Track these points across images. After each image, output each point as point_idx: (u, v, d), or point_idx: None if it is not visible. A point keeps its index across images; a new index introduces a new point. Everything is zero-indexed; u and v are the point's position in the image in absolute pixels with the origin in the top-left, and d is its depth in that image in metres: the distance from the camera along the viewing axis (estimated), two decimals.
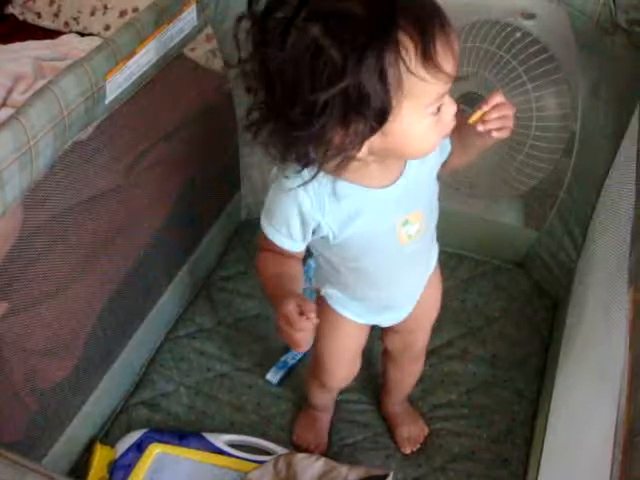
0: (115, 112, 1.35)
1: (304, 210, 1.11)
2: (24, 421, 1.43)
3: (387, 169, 1.12)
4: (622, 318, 1.21)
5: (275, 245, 1.17)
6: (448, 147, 1.24)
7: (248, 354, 1.86)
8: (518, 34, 1.86)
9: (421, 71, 0.93)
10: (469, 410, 1.75)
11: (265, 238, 1.18)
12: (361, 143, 0.98)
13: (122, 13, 2.36)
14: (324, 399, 1.66)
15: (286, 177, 1.08)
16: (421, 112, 0.99)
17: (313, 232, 1.16)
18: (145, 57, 1.37)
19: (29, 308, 1.42)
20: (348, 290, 1.32)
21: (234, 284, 2.02)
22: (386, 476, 1.51)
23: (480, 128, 1.12)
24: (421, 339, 1.56)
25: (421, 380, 1.72)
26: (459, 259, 2.07)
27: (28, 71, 1.93)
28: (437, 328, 1.75)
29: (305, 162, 1.01)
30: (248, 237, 2.15)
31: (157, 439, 1.64)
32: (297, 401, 1.74)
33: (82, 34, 2.31)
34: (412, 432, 1.69)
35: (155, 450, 1.62)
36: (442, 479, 1.63)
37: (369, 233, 1.17)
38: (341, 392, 1.75)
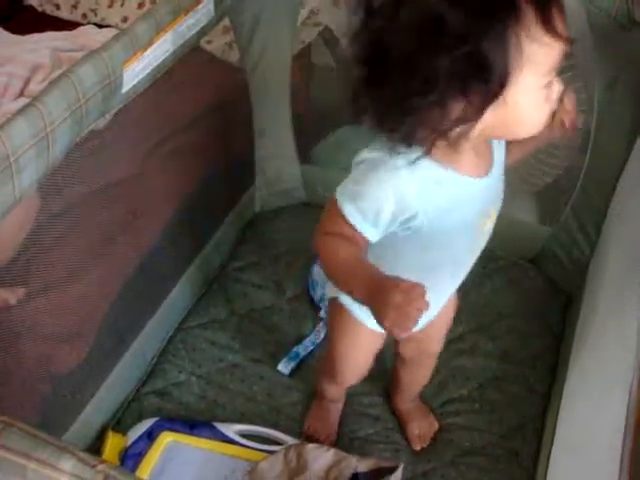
0: (132, 102, 1.36)
1: (405, 196, 1.01)
2: (37, 407, 1.45)
3: (482, 158, 1.09)
4: (634, 313, 1.21)
5: (350, 230, 1.04)
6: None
7: (260, 345, 1.86)
8: None
9: (541, 36, 0.91)
10: (480, 405, 1.75)
11: (336, 221, 1.04)
12: (480, 113, 0.93)
13: (140, 5, 2.36)
14: (335, 393, 1.66)
15: (391, 156, 1.00)
16: (538, 81, 0.95)
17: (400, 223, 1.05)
18: (162, 47, 1.38)
19: (44, 294, 1.43)
20: None
21: (247, 275, 2.03)
22: (396, 468, 1.51)
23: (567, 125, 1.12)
24: (436, 346, 1.56)
25: (432, 375, 1.70)
26: None
27: (46, 62, 1.95)
28: None
29: (411, 140, 0.96)
30: (262, 229, 2.16)
31: (168, 428, 1.65)
32: (308, 392, 1.75)
33: (100, 25, 2.32)
34: (422, 428, 1.70)
35: (166, 439, 1.63)
36: (453, 473, 1.63)
37: (460, 224, 1.10)
38: (352, 386, 1.75)
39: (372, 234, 1.04)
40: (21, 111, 1.07)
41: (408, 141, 0.96)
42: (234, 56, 2.10)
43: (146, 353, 1.80)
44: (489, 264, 2.05)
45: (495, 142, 1.13)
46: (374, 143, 1.03)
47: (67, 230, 1.47)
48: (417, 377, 1.65)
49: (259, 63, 1.91)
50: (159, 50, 1.37)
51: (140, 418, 1.69)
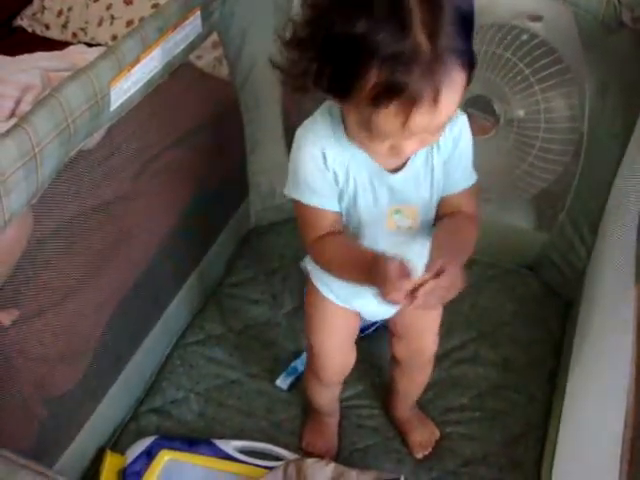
0: (122, 120, 1.35)
1: (326, 153, 1.15)
2: (33, 429, 1.43)
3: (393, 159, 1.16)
4: (631, 317, 1.20)
5: (314, 212, 1.19)
6: (453, 188, 1.25)
7: (257, 360, 1.85)
8: (525, 36, 1.86)
9: (362, 110, 1.01)
10: (481, 413, 1.74)
11: (303, 218, 1.22)
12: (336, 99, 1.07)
13: (129, 23, 2.37)
14: (325, 398, 1.64)
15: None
16: (360, 125, 1.05)
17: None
18: (150, 64, 1.37)
19: (38, 315, 1.42)
20: None
21: (243, 291, 2.02)
22: None
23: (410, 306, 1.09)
24: (429, 347, 1.54)
25: (432, 384, 1.71)
26: (469, 263, 2.02)
27: (36, 82, 1.94)
28: (448, 332, 1.75)
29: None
30: (257, 244, 2.15)
31: (167, 446, 1.63)
32: (307, 407, 1.73)
33: (90, 44, 2.32)
34: (423, 436, 1.68)
35: (165, 457, 1.62)
36: None
37: (362, 207, 1.21)
38: (351, 397, 1.75)
39: (327, 202, 1.19)
40: (8, 133, 1.06)
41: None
42: (224, 71, 2.10)
43: (144, 371, 1.79)
44: (486, 272, 2.05)
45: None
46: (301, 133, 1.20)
47: (61, 250, 1.46)
48: (412, 383, 1.63)
49: (249, 78, 1.91)
50: (147, 67, 1.37)
51: (138, 437, 1.67)
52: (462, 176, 1.26)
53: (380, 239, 1.24)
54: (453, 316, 1.85)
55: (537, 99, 1.89)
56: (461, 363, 1.81)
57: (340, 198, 1.21)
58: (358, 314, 1.45)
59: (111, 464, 1.60)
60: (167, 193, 1.75)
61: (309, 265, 1.39)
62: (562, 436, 1.53)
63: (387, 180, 1.19)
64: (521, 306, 1.97)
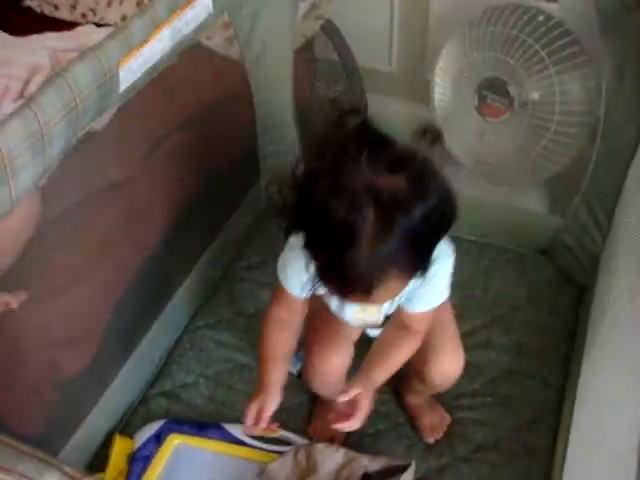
0: (131, 101, 1.34)
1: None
2: (42, 413, 1.43)
3: None
4: None
5: (284, 294, 1.41)
6: (408, 308, 1.37)
7: None
8: (541, 17, 1.83)
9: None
10: (493, 399, 1.73)
11: (278, 288, 1.43)
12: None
13: (138, 3, 2.33)
14: (326, 389, 1.62)
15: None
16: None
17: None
18: (159, 44, 1.35)
19: (46, 298, 1.41)
20: None
21: (254, 274, 2.01)
22: (407, 466, 1.49)
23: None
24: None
25: None
26: (482, 247, 2.04)
27: (45, 63, 1.92)
28: (460, 316, 1.72)
29: None
30: (268, 227, 2.13)
31: (176, 430, 1.63)
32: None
33: (99, 25, 2.30)
34: (434, 421, 1.67)
35: (174, 441, 1.61)
36: (466, 469, 1.61)
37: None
38: None
39: (297, 292, 1.40)
40: (15, 113, 1.05)
41: None
42: (235, 52, 2.07)
43: (153, 355, 1.78)
44: (499, 256, 2.03)
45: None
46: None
47: (69, 232, 1.46)
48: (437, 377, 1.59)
49: (260, 58, 1.89)
50: (156, 47, 1.35)
51: (148, 421, 1.67)
52: (422, 303, 1.35)
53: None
54: (465, 301, 1.84)
55: (553, 81, 1.87)
56: (473, 348, 1.79)
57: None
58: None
59: (120, 448, 1.59)
60: (177, 174, 1.74)
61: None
62: (576, 422, 1.51)
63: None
64: (534, 291, 1.95)
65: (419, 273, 1.14)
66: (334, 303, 1.45)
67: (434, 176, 1.11)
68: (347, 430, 1.35)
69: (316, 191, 1.09)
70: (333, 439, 1.63)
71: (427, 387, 1.60)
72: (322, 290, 1.31)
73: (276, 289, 1.44)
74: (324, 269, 1.13)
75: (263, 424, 1.39)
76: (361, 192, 1.04)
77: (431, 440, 1.66)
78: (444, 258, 1.27)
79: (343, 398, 1.33)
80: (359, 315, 1.45)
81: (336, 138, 1.12)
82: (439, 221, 1.11)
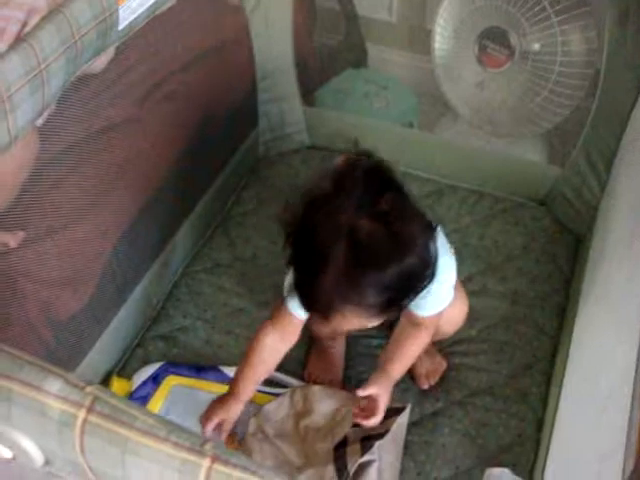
0: (129, 43, 1.33)
1: None
2: (39, 353, 1.43)
3: None
4: None
5: (285, 311, 1.40)
6: (419, 311, 1.38)
7: (265, 289, 1.84)
8: None
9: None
10: (488, 345, 1.74)
11: (279, 307, 1.42)
12: None
13: None
14: (326, 332, 1.64)
15: None
16: None
17: None
18: None
19: (44, 238, 1.41)
20: None
21: (251, 220, 2.01)
22: (403, 409, 1.50)
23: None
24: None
25: None
26: (479, 196, 2.04)
27: (42, 4, 1.90)
28: (457, 263, 1.73)
29: None
30: (265, 173, 2.13)
31: (174, 372, 1.64)
32: (313, 336, 1.73)
33: None
34: (429, 367, 1.67)
35: (172, 382, 1.62)
36: (460, 413, 1.62)
37: None
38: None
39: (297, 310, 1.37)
40: (14, 48, 1.04)
41: None
42: None
43: (151, 298, 1.79)
44: (497, 205, 2.03)
45: None
46: None
47: (67, 173, 1.45)
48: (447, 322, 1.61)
49: (260, 4, 1.87)
50: None
51: (145, 363, 1.68)
52: (429, 309, 1.37)
53: None
54: (461, 248, 1.84)
55: (554, 31, 1.86)
56: (469, 295, 1.78)
57: None
58: None
59: (117, 389, 1.60)
60: (174, 118, 1.73)
61: None
62: (569, 368, 1.52)
63: None
64: (531, 240, 1.95)
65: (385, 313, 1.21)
66: None
67: (424, 241, 1.16)
68: (369, 426, 1.39)
69: (310, 213, 1.15)
70: (330, 382, 1.64)
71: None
72: None
73: (276, 308, 1.45)
74: (296, 284, 1.20)
75: (224, 436, 1.44)
76: (343, 226, 1.10)
77: (425, 386, 1.67)
78: (447, 272, 1.32)
79: (362, 394, 1.37)
80: None
81: (345, 172, 1.17)
82: (410, 282, 1.16)
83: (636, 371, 1.03)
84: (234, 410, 1.44)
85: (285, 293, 1.36)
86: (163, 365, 1.65)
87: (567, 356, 1.56)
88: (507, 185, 2.03)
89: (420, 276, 1.17)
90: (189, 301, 1.82)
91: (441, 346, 1.72)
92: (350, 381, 1.68)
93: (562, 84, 1.90)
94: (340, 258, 1.10)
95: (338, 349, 1.70)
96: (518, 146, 2.10)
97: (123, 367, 1.70)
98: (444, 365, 1.69)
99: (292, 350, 1.70)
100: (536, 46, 1.91)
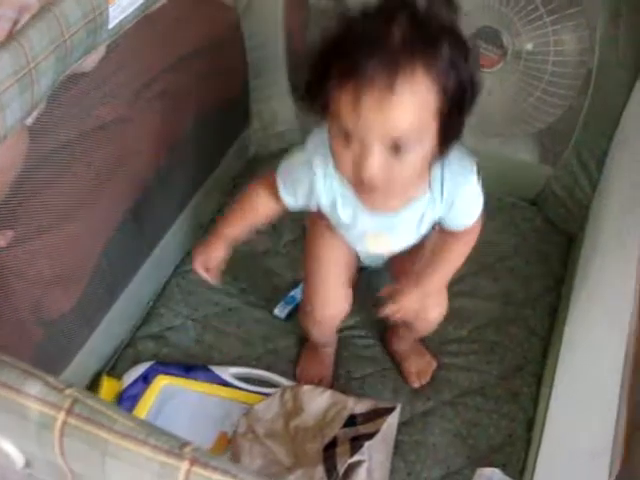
0: (120, 42, 1.33)
1: (315, 190, 1.28)
2: (29, 352, 1.43)
3: (378, 199, 1.21)
4: (634, 253, 1.19)
5: (276, 192, 1.35)
6: (452, 226, 1.33)
7: (256, 289, 1.85)
8: None
9: (335, 83, 1.04)
10: (479, 346, 1.74)
11: (273, 179, 1.35)
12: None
13: None
14: (322, 335, 1.65)
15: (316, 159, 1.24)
16: (331, 120, 1.09)
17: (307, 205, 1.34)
18: None
19: (34, 237, 1.40)
20: None
21: None
22: (393, 409, 1.50)
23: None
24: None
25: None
26: None
27: (33, 2, 1.90)
28: None
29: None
30: (257, 173, 2.12)
31: (164, 371, 1.64)
32: (303, 335, 1.73)
33: None
34: (420, 366, 1.68)
35: (162, 382, 1.62)
36: (451, 413, 1.63)
37: (345, 224, 1.34)
38: (349, 327, 1.75)
39: (289, 202, 1.35)
40: (3, 46, 1.04)
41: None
42: None
43: (141, 297, 1.78)
44: (488, 205, 2.00)
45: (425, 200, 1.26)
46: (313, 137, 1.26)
47: (57, 172, 1.44)
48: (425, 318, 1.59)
49: (252, 2, 1.87)
50: None
51: (135, 363, 1.67)
52: (462, 220, 1.33)
53: (362, 243, 1.41)
54: None
55: (547, 31, 1.86)
56: (461, 295, 1.80)
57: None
58: (356, 255, 1.51)
59: (107, 388, 1.60)
60: (166, 117, 1.72)
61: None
62: (560, 369, 1.52)
63: (370, 219, 1.30)
64: (523, 240, 1.95)
65: (441, 149, 1.11)
66: (345, 223, 1.34)
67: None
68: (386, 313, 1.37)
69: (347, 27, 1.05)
70: (320, 382, 1.64)
71: (411, 331, 1.61)
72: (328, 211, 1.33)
73: (268, 178, 1.39)
74: (346, 63, 1.02)
75: (212, 275, 1.47)
76: (397, 7, 1.02)
77: (416, 385, 1.67)
78: (465, 194, 1.27)
79: (387, 311, 1.36)
80: (371, 243, 1.40)
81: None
82: (467, 74, 1.06)
83: (624, 372, 1.03)
84: (216, 247, 1.45)
85: (281, 175, 1.33)
86: (153, 364, 1.65)
87: (558, 356, 1.56)
88: (498, 185, 2.01)
89: (473, 80, 1.07)
90: (180, 300, 1.82)
91: (432, 345, 1.73)
92: (340, 380, 1.69)
93: (555, 84, 1.90)
94: (402, 24, 1.00)
95: (329, 350, 1.70)
96: (509, 145, 2.10)
97: (113, 366, 1.70)
98: (434, 364, 1.70)
99: (283, 350, 1.72)
100: (529, 46, 1.90)
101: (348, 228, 1.37)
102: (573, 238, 1.92)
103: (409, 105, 1.01)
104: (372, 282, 1.76)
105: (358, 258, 1.53)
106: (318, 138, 1.23)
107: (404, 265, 1.47)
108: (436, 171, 1.20)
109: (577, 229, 1.87)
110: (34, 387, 0.58)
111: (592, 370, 1.27)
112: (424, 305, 1.39)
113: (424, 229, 1.34)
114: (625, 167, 1.54)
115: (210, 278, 1.47)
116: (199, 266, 1.45)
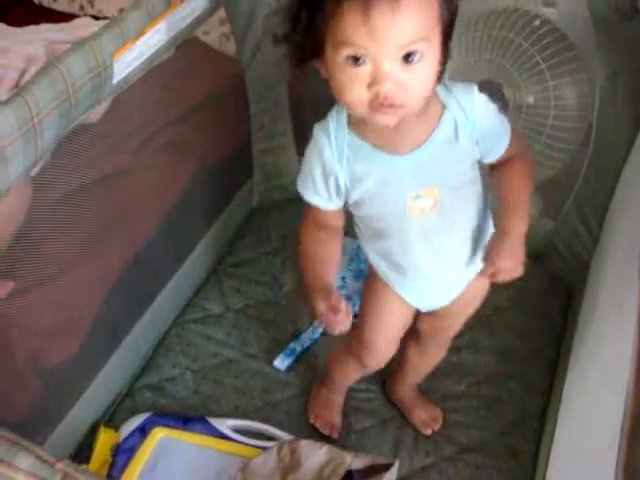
0: (126, 94, 1.34)
1: (325, 158, 1.20)
2: (27, 402, 1.43)
3: (402, 135, 1.16)
4: (634, 310, 1.19)
5: (311, 207, 1.27)
6: (496, 152, 1.25)
7: (256, 340, 1.85)
8: (537, 22, 1.83)
9: (333, 8, 1.01)
10: (478, 401, 1.73)
11: (305, 204, 1.28)
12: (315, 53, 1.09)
13: None
14: (352, 379, 1.64)
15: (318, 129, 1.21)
16: (334, 53, 1.04)
17: (337, 193, 1.23)
18: (155, 38, 1.35)
19: (35, 288, 1.41)
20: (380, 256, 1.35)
21: (243, 270, 2.01)
22: (391, 465, 1.49)
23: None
24: (455, 327, 1.53)
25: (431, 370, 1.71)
26: None
27: (41, 54, 1.93)
28: None
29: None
30: (259, 223, 2.14)
31: (161, 423, 1.63)
32: (304, 388, 1.73)
33: (97, 17, 2.31)
34: (429, 413, 1.69)
35: (158, 434, 1.61)
36: (450, 469, 1.62)
37: (378, 197, 1.21)
38: None
39: (321, 202, 1.25)
40: (7, 102, 1.05)
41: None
42: (231, 47, 2.08)
43: (140, 347, 1.78)
44: None
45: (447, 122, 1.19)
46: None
47: (59, 223, 1.45)
48: (426, 359, 1.61)
49: (255, 55, 1.89)
50: (151, 40, 1.35)
51: (133, 413, 1.66)
52: (497, 141, 1.24)
53: (407, 229, 1.25)
54: None
55: (547, 86, 1.87)
56: (459, 350, 1.80)
57: (348, 196, 1.24)
58: (412, 308, 1.42)
59: (105, 439, 1.59)
60: (170, 168, 1.74)
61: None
62: (560, 427, 1.51)
63: (400, 165, 1.18)
64: (523, 294, 1.95)
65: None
66: (374, 191, 1.22)
67: None
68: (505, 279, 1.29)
69: None
70: (332, 428, 1.66)
71: (414, 373, 1.64)
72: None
73: (305, 212, 1.31)
74: None
75: (348, 317, 1.21)
76: None
77: (429, 432, 1.67)
78: (472, 102, 1.20)
79: (486, 275, 1.28)
80: (415, 203, 1.22)
81: None
82: None
83: (622, 428, 1.02)
84: (335, 296, 1.22)
85: (303, 191, 1.26)
86: (151, 416, 1.64)
87: (557, 414, 1.56)
88: None
89: None
90: (179, 351, 1.82)
91: (431, 400, 1.72)
92: (347, 432, 1.68)
93: (556, 137, 1.91)
94: None
95: (340, 399, 1.71)
96: None
97: (111, 417, 1.69)
98: (440, 412, 1.70)
99: (282, 403, 1.71)
100: (530, 100, 1.92)
101: (386, 205, 1.23)
102: (573, 293, 1.92)
103: (418, 9, 1.01)
104: None
105: (412, 312, 1.46)
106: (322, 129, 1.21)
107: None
108: (443, 92, 1.18)
109: (577, 285, 1.87)
110: (25, 460, 0.57)
111: (592, 427, 1.26)
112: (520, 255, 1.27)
113: (466, 161, 1.23)
114: (625, 225, 1.55)
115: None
116: (329, 314, 1.21)
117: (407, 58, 1.03)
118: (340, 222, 1.30)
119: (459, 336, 1.81)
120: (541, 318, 1.90)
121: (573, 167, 1.89)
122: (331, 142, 1.19)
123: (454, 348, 1.79)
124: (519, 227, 1.26)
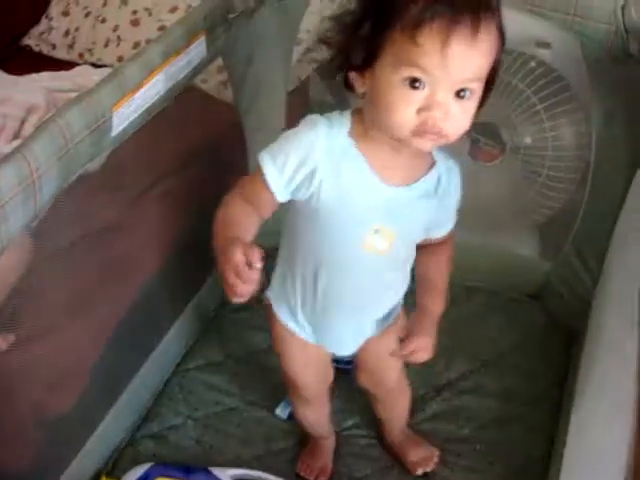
0: (124, 144, 1.34)
1: (312, 148, 1.14)
2: (29, 453, 1.42)
3: (396, 166, 1.17)
4: (635, 349, 1.19)
5: (255, 182, 1.21)
6: (442, 230, 1.31)
7: (257, 388, 1.84)
8: (533, 63, 1.85)
9: (398, 31, 1.02)
10: (482, 445, 1.72)
11: (253, 176, 1.23)
12: (362, 64, 1.08)
13: (135, 45, 2.37)
14: (312, 417, 1.62)
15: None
16: (392, 71, 1.04)
17: (298, 187, 1.17)
18: (153, 89, 1.36)
19: (34, 340, 1.41)
20: (292, 289, 1.38)
21: (244, 317, 2.00)
22: None
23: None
24: (390, 379, 1.54)
25: (434, 414, 1.73)
26: (472, 291, 2.05)
27: (41, 102, 1.93)
28: (450, 361, 1.73)
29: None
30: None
31: (163, 473, 1.61)
32: (304, 434, 1.71)
33: (96, 65, 2.32)
34: (420, 454, 1.67)
35: None
36: None
37: (345, 209, 1.18)
38: (351, 427, 1.74)
39: (277, 184, 1.17)
40: (7, 159, 1.05)
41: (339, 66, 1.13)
42: (229, 95, 2.09)
43: (142, 396, 1.77)
44: (489, 301, 2.03)
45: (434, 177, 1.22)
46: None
47: (59, 274, 1.45)
48: (390, 410, 1.64)
49: (253, 102, 1.90)
50: (150, 91, 1.36)
51: (135, 463, 1.65)
52: (446, 224, 1.31)
53: (350, 258, 1.24)
54: (455, 345, 1.84)
55: (544, 126, 1.88)
56: (463, 394, 1.79)
57: (312, 196, 1.17)
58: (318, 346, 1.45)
59: None
60: (168, 217, 1.74)
61: (272, 295, 1.44)
62: (565, 470, 1.50)
63: (381, 192, 1.17)
64: (524, 336, 1.95)
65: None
66: (342, 203, 1.18)
67: None
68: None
69: None
70: (320, 472, 1.65)
71: (392, 411, 1.65)
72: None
73: (240, 183, 1.27)
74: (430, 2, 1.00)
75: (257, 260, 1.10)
76: None
77: (419, 472, 1.66)
78: (453, 175, 1.25)
79: (409, 347, 1.33)
80: (373, 237, 1.21)
81: None
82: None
83: (626, 470, 1.02)
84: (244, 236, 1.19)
85: (265, 152, 1.19)
86: (153, 466, 1.62)
87: (562, 456, 1.54)
88: (499, 280, 2.03)
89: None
90: (180, 400, 1.81)
91: (433, 444, 1.70)
92: (341, 478, 1.67)
93: (554, 178, 1.92)
94: None
95: (328, 442, 1.70)
96: (509, 240, 2.10)
97: (113, 467, 1.67)
98: (436, 452, 1.69)
99: (284, 452, 1.70)
100: (527, 140, 1.93)
101: (345, 217, 1.20)
102: (575, 333, 1.91)
103: (487, 50, 1.03)
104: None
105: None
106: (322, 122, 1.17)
107: (367, 359, 1.48)
108: (436, 151, 1.21)
109: (579, 325, 1.86)
110: None
111: (597, 470, 1.25)
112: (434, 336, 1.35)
113: (424, 223, 1.27)
114: (624, 266, 1.54)
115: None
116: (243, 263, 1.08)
117: (459, 93, 1.04)
118: (266, 215, 1.25)
119: (463, 379, 1.82)
120: (544, 359, 1.89)
121: (571, 207, 1.90)
122: (329, 135, 1.15)
123: (458, 391, 1.80)
124: (440, 308, 1.36)
